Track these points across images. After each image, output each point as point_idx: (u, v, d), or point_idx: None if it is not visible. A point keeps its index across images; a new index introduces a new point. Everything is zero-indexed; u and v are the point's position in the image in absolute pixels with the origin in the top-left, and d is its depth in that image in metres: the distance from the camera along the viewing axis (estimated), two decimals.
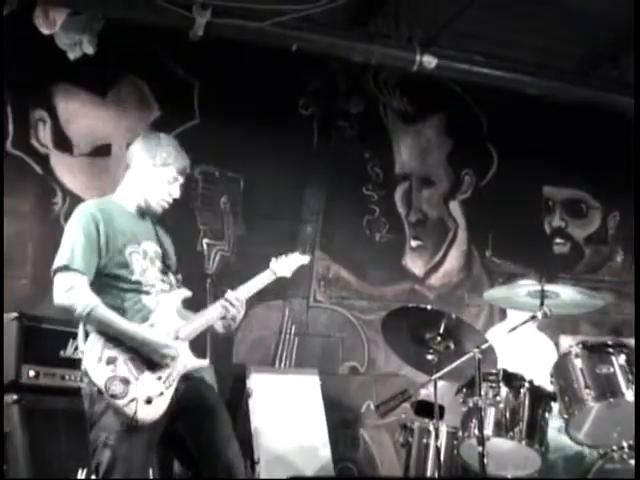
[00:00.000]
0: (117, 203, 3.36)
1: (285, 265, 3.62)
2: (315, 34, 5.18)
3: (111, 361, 3.03)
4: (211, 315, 3.32)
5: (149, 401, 3.01)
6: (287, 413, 4.93)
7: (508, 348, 4.34)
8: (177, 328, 3.21)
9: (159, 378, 3.09)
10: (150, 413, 3.01)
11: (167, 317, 3.22)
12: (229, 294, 3.33)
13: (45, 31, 4.99)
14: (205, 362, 3.31)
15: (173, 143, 3.43)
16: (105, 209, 3.27)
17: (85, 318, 3.08)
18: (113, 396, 2.97)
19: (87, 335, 3.11)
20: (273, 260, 3.61)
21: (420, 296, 5.83)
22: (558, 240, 6.45)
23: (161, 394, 3.06)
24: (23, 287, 4.58)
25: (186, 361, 3.20)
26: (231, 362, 5.20)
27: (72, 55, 5.06)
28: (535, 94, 5.75)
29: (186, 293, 3.36)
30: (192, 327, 3.26)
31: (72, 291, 3.07)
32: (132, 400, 2.98)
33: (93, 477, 3.03)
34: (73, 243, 3.14)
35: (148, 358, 3.08)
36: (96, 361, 3.02)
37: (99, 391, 2.98)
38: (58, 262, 3.14)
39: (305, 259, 3.77)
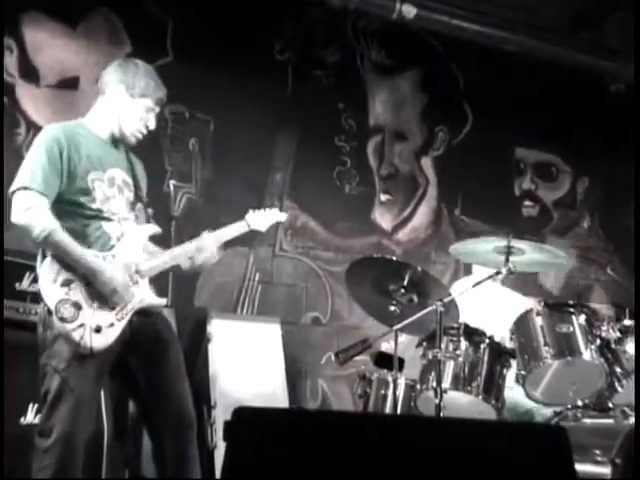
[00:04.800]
0: (87, 128, 3.27)
1: (261, 219, 3.60)
2: None
3: (65, 284, 2.97)
4: (178, 253, 3.28)
5: (98, 330, 2.97)
6: (247, 360, 4.91)
7: (478, 304, 4.36)
8: (138, 262, 3.15)
9: (112, 309, 3.04)
10: (98, 342, 2.96)
11: (130, 249, 3.17)
12: (205, 234, 3.32)
13: None
14: (162, 301, 3.25)
15: (151, 72, 3.34)
16: (72, 133, 3.19)
17: (42, 241, 3.01)
18: (62, 319, 2.92)
19: (45, 257, 3.04)
20: (250, 212, 3.58)
21: (387, 250, 5.80)
22: (527, 202, 6.45)
23: (111, 325, 3.02)
24: None
25: (144, 296, 3.14)
26: (192, 306, 5.15)
27: None
28: (513, 51, 5.70)
29: (155, 229, 3.31)
30: (155, 263, 3.21)
31: (31, 211, 3.00)
32: (80, 326, 2.93)
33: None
34: (34, 165, 3.06)
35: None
36: (50, 282, 2.96)
37: (49, 312, 2.93)
38: (18, 182, 3.06)
39: (282, 216, 3.76)
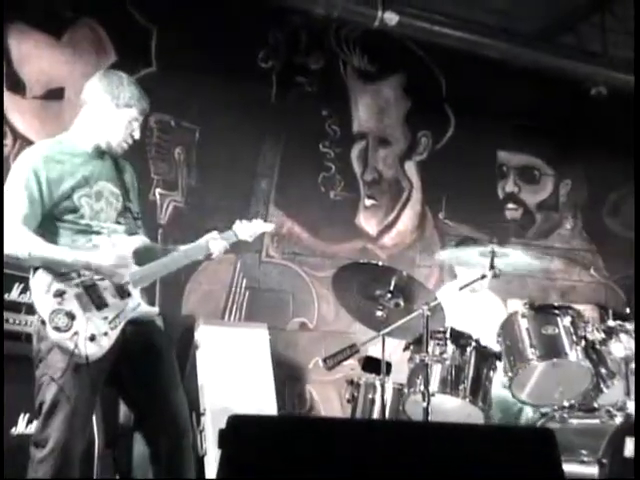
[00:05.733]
0: (70, 143, 3.27)
1: (248, 230, 3.65)
2: None
3: (59, 294, 2.99)
4: (168, 262, 3.32)
5: (92, 339, 2.99)
6: (235, 366, 4.92)
7: (462, 308, 4.39)
8: (130, 272, 3.16)
9: (105, 318, 3.06)
10: (93, 350, 2.98)
11: (121, 260, 3.16)
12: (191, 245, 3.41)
13: None
14: (155, 310, 3.29)
15: (134, 82, 3.35)
16: (53, 153, 3.18)
17: (29, 260, 3.03)
18: (56, 329, 2.93)
19: (37, 269, 3.05)
20: (237, 222, 3.63)
21: (372, 255, 5.83)
22: (510, 205, 6.51)
23: (105, 334, 3.03)
24: None
25: (136, 305, 3.16)
26: (180, 313, 5.17)
27: None
28: (496, 57, 5.75)
29: (144, 240, 3.32)
30: (144, 273, 3.22)
31: (10, 240, 3.00)
32: (75, 334, 2.95)
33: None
34: (13, 197, 3.06)
35: (98, 294, 3.05)
36: (43, 292, 2.99)
37: (43, 322, 2.95)
38: None
39: (269, 227, 3.84)
